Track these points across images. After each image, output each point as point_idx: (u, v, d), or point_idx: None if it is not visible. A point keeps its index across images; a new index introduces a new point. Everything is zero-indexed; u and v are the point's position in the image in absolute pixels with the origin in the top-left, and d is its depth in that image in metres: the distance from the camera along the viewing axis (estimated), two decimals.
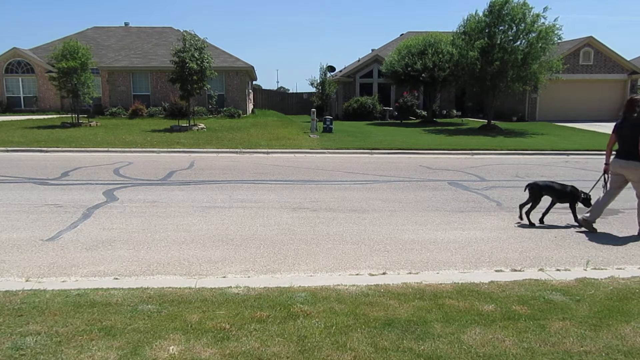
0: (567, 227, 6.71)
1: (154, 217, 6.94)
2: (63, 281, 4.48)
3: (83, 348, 3.15)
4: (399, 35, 38.55)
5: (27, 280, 4.47)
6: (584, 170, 12.03)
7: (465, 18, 22.73)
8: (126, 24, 37.37)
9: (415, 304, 3.92)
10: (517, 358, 3.12)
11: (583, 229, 6.53)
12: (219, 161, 13.22)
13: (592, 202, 6.75)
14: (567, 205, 6.94)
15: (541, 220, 6.89)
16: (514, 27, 21.41)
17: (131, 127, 21.16)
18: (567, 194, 6.84)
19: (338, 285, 4.36)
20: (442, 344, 3.27)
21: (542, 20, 21.05)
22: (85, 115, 23.05)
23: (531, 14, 21.11)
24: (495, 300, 4.03)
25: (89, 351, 3.12)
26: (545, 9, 21.15)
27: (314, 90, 35.30)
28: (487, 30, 21.60)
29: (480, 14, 22.05)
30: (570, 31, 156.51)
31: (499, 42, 21.50)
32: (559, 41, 21.88)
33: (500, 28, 21.61)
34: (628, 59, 29.43)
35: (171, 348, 3.16)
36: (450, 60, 24.11)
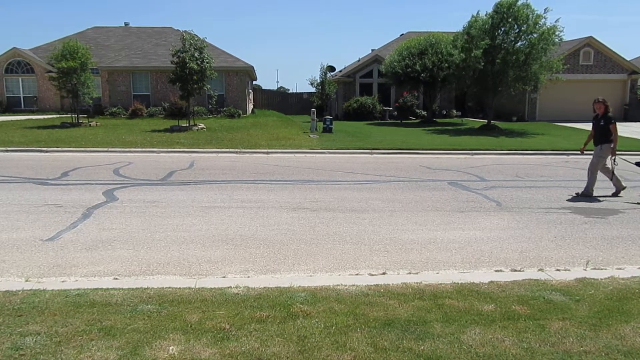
0: None
1: (154, 217, 6.94)
2: (63, 281, 4.47)
3: (83, 348, 3.15)
4: (399, 35, 38.56)
5: (26, 280, 4.47)
6: (584, 170, 11.96)
7: (471, 19, 22.75)
8: (126, 24, 37.39)
9: (415, 304, 3.92)
10: (517, 358, 3.12)
11: None
12: (219, 161, 13.22)
13: None
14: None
15: None
16: (517, 28, 21.43)
17: (131, 127, 21.16)
18: None
19: (338, 285, 4.36)
20: (441, 344, 3.27)
21: (543, 20, 21.10)
22: (85, 115, 23.03)
23: (534, 15, 21.14)
24: (495, 300, 4.03)
25: (89, 351, 3.12)
26: (546, 10, 21.20)
27: (314, 90, 35.36)
28: (490, 31, 21.62)
29: (484, 15, 22.07)
30: (570, 31, 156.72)
31: (500, 42, 21.52)
32: (560, 42, 21.91)
33: (503, 29, 21.63)
34: (628, 59, 29.44)
35: (171, 348, 3.16)
36: (452, 60, 24.10)
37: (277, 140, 17.30)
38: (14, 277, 4.59)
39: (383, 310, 3.79)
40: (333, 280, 4.53)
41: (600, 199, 8.62)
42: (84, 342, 3.23)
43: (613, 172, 8.77)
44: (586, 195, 8.75)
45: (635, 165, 8.83)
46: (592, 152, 9.18)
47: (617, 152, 9.02)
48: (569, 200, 8.55)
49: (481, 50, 21.29)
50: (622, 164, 8.91)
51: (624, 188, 8.84)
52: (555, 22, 21.18)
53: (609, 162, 8.93)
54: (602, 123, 8.89)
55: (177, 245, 5.63)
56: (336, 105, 34.06)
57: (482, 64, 21.45)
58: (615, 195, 8.81)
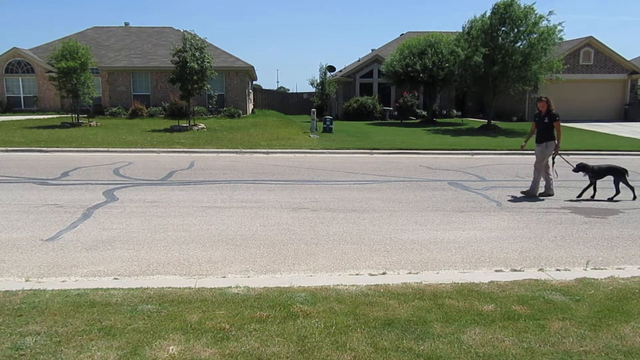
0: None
1: (154, 217, 6.94)
2: (63, 281, 4.48)
3: (83, 348, 3.15)
4: (399, 35, 38.56)
5: (27, 280, 4.47)
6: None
7: (470, 20, 22.76)
8: (126, 24, 37.37)
9: (415, 304, 3.92)
10: (517, 358, 3.12)
11: None
12: (219, 161, 13.22)
13: None
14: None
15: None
16: (516, 29, 21.44)
17: (131, 127, 21.16)
18: None
19: (338, 285, 4.36)
20: (442, 344, 3.27)
21: (545, 22, 21.11)
22: (85, 115, 23.04)
23: (534, 15, 21.14)
24: (495, 300, 4.03)
25: (89, 351, 3.12)
26: (550, 13, 21.24)
27: (314, 90, 35.35)
28: (490, 32, 21.62)
29: (486, 17, 22.08)
30: (570, 31, 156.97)
31: (501, 42, 21.52)
32: (560, 41, 21.91)
33: (502, 29, 21.64)
34: (628, 59, 29.42)
35: (171, 348, 3.16)
36: (453, 60, 24.09)
37: (277, 140, 17.30)
38: (14, 277, 4.59)
39: (383, 310, 3.79)
40: (333, 280, 4.53)
41: (542, 198, 8.74)
42: (84, 342, 3.23)
43: (548, 173, 8.90)
44: (531, 195, 8.77)
45: (573, 171, 8.92)
46: (533, 151, 9.31)
47: (561, 152, 9.22)
48: (517, 199, 8.58)
49: (481, 56, 21.28)
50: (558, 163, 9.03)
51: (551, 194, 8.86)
52: (559, 24, 21.20)
53: (550, 161, 9.06)
54: (546, 120, 9.01)
55: (177, 245, 5.63)
56: (336, 105, 34.06)
57: (482, 69, 21.46)
58: (543, 195, 8.85)
